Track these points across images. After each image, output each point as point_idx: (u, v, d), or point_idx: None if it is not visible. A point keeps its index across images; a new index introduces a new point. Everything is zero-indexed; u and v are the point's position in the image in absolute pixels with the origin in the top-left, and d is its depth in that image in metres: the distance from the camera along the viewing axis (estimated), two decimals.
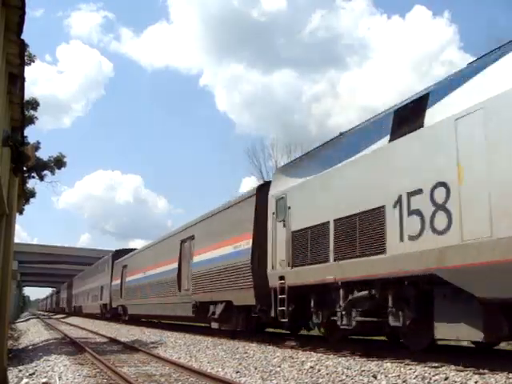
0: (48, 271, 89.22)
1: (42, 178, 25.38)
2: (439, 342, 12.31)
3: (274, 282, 13.32)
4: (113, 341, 20.28)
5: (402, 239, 8.93)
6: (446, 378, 7.49)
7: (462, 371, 7.75)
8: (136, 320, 32.76)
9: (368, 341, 13.53)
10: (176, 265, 22.68)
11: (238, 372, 10.28)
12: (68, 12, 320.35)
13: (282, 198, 13.59)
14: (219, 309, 17.27)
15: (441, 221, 8.15)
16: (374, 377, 8.35)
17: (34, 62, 20.87)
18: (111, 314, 38.95)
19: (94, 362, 12.95)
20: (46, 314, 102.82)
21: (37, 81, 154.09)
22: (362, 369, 8.98)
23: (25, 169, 11.71)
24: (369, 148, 10.33)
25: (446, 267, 7.91)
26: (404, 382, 7.83)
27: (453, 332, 8.16)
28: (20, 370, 11.75)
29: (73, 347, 18.03)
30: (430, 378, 7.67)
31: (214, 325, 17.94)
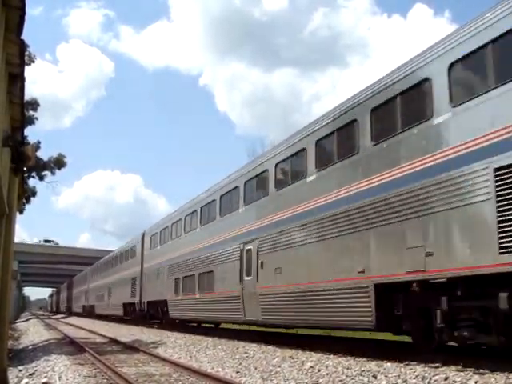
0: (48, 271, 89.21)
1: (41, 178, 25.44)
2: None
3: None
4: (113, 341, 20.27)
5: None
6: (446, 378, 7.48)
7: (461, 371, 7.74)
8: (136, 320, 32.85)
9: (368, 341, 13.55)
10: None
11: (238, 372, 10.28)
12: (67, 10, 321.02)
13: None
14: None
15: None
16: (374, 377, 8.34)
17: (33, 61, 20.93)
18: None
19: (94, 362, 12.95)
20: (45, 314, 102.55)
21: (37, 80, 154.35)
22: (362, 369, 8.97)
23: (25, 169, 11.70)
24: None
25: None
26: (404, 381, 7.82)
27: None
28: (20, 370, 11.76)
29: (73, 347, 18.03)
30: (430, 378, 7.67)
31: None
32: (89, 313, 50.80)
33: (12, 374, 10.91)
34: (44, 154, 25.83)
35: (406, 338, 12.57)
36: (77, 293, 62.14)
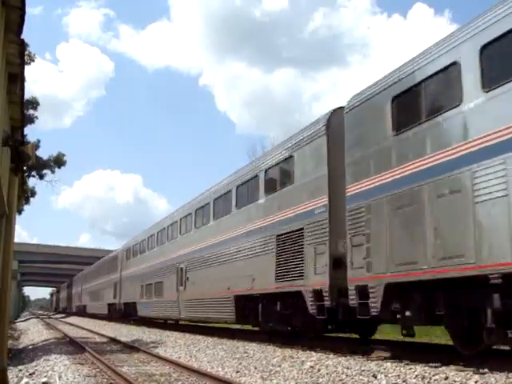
0: (48, 271, 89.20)
1: (41, 177, 25.44)
2: (440, 342, 12.30)
3: None
4: (113, 340, 20.27)
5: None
6: (446, 378, 7.48)
7: (462, 371, 7.74)
8: (137, 320, 32.81)
9: (368, 341, 13.52)
10: None
11: (238, 372, 10.28)
12: (67, 9, 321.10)
13: None
14: None
15: None
16: (374, 376, 8.34)
17: (33, 61, 20.91)
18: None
19: (94, 361, 12.94)
20: (45, 313, 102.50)
21: (37, 80, 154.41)
22: (362, 368, 8.97)
23: (25, 168, 11.69)
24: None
25: None
26: (404, 381, 7.82)
27: None
28: (20, 370, 11.75)
29: (73, 347, 18.02)
30: (430, 378, 7.66)
31: None
32: (123, 315, 34.34)
33: (12, 373, 10.90)
34: (44, 153, 25.85)
35: (406, 338, 12.54)
36: (95, 287, 45.84)
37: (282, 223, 13.66)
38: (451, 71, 8.74)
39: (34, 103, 23.25)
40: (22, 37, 6.48)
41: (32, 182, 24.81)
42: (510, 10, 7.81)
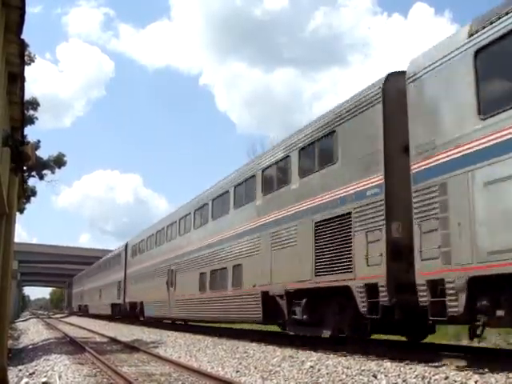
0: (48, 271, 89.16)
1: (41, 178, 25.47)
2: (440, 342, 12.29)
3: None
4: (113, 340, 20.27)
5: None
6: (446, 378, 7.48)
7: (461, 371, 7.74)
8: (136, 319, 32.97)
9: (368, 340, 13.52)
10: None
11: (238, 371, 10.29)
12: (67, 9, 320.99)
13: None
14: None
15: None
16: (374, 376, 8.34)
17: (33, 62, 20.94)
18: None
19: (94, 361, 12.95)
20: (45, 313, 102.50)
21: (37, 79, 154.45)
22: (362, 368, 8.97)
23: (25, 168, 11.70)
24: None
25: None
26: (404, 381, 7.82)
27: None
28: (20, 370, 11.77)
29: (73, 347, 18.03)
30: (430, 378, 7.66)
31: None
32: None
33: (12, 373, 10.92)
34: (44, 153, 25.88)
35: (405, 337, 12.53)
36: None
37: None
38: None
39: (33, 104, 23.28)
40: (21, 37, 6.48)
41: (32, 181, 24.84)
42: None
